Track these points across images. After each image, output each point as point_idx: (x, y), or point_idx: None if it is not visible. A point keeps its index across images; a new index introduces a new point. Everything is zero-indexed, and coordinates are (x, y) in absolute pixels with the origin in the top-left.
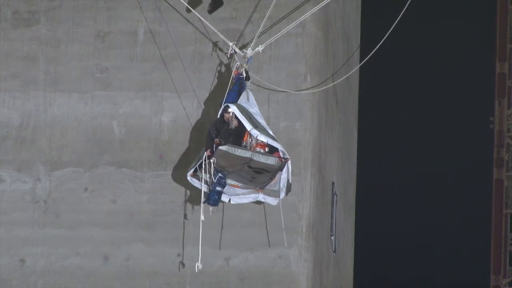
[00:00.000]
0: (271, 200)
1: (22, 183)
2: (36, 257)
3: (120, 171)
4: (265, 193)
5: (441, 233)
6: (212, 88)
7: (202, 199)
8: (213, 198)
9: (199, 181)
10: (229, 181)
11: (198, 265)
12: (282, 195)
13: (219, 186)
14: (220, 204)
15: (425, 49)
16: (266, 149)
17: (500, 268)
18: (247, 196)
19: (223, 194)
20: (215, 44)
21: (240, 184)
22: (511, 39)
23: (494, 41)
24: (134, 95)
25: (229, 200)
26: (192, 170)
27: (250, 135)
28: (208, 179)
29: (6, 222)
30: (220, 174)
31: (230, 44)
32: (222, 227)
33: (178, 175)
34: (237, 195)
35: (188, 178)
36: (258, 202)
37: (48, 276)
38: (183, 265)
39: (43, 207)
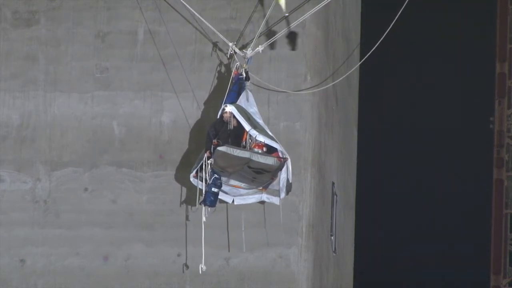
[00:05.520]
0: (276, 200)
1: (22, 183)
2: (36, 257)
3: (120, 171)
4: (268, 193)
5: (441, 233)
6: (212, 88)
7: (199, 200)
8: (209, 199)
9: (201, 181)
10: (231, 181)
11: (202, 266)
12: (282, 195)
13: (214, 187)
14: (223, 205)
15: (425, 49)
16: (264, 149)
17: (500, 268)
18: (250, 196)
19: (226, 194)
20: (215, 44)
21: (242, 185)
22: (511, 39)
23: (494, 41)
24: (134, 95)
25: (233, 201)
26: (194, 171)
27: (249, 135)
28: (208, 180)
29: (6, 222)
30: (215, 175)
31: (230, 44)
32: (221, 227)
33: (178, 175)
34: (240, 196)
35: (191, 179)
36: (259, 202)
37: (48, 276)
38: (187, 266)
39: (43, 207)
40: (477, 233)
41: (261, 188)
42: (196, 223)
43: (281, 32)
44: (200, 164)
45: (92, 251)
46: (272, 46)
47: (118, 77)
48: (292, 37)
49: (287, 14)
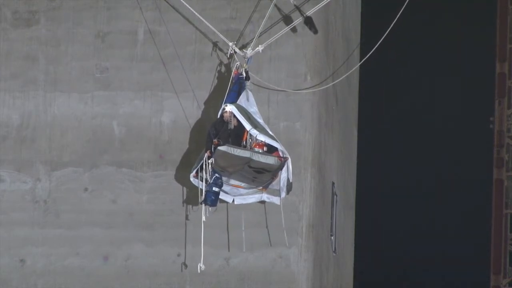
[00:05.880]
0: (276, 200)
1: (22, 183)
2: (36, 257)
3: (120, 171)
4: (269, 193)
5: (441, 233)
6: (212, 88)
7: (200, 200)
8: (210, 198)
9: (201, 181)
10: (232, 181)
11: (201, 265)
12: (283, 194)
13: (215, 187)
14: (223, 204)
15: (425, 49)
16: (265, 148)
17: (500, 268)
18: (251, 196)
19: (226, 194)
20: (215, 44)
21: (243, 185)
22: (511, 39)
23: (494, 41)
24: (134, 95)
25: (233, 201)
26: (194, 171)
27: (250, 134)
28: (209, 180)
29: (6, 222)
30: (216, 175)
31: (230, 44)
32: (227, 227)
33: (178, 175)
34: (241, 195)
35: (191, 179)
36: (260, 202)
37: (48, 276)
38: (186, 265)
39: (43, 207)
40: (477, 233)
41: (261, 188)
42: (196, 223)
43: (281, 32)
44: (200, 164)
45: (92, 251)
46: (272, 46)
47: (118, 77)
48: (309, 22)
49: (295, 4)
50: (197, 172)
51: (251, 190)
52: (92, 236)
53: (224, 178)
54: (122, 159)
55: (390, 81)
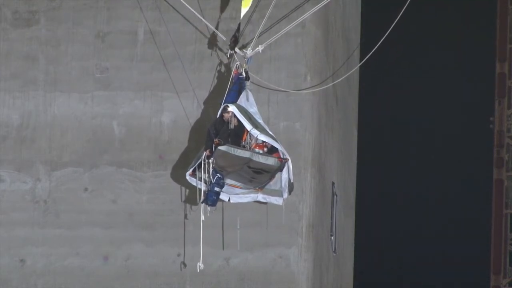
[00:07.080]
0: (275, 200)
1: (22, 183)
2: (36, 257)
3: (120, 171)
4: (265, 193)
5: (441, 233)
6: (212, 88)
7: (201, 199)
8: (211, 198)
9: (198, 180)
10: (228, 181)
11: (200, 264)
12: (285, 195)
13: (217, 187)
14: (220, 204)
15: (425, 49)
16: (265, 149)
17: (500, 268)
18: (246, 195)
19: (222, 193)
20: (215, 44)
21: (239, 184)
22: (511, 39)
23: (494, 41)
24: (134, 95)
25: (229, 199)
26: (191, 170)
27: (250, 135)
28: (207, 179)
29: (6, 222)
30: (218, 175)
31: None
32: (223, 227)
33: (178, 175)
34: (236, 194)
35: (187, 177)
36: (259, 202)
37: (48, 276)
38: (185, 265)
39: (43, 207)
40: (477, 233)
41: (257, 188)
42: (196, 223)
43: (281, 32)
44: (198, 162)
45: (92, 251)
46: (272, 46)
47: (118, 77)
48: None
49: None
50: (193, 171)
51: (246, 189)
52: (92, 236)
53: None
54: (122, 159)
55: (390, 81)
